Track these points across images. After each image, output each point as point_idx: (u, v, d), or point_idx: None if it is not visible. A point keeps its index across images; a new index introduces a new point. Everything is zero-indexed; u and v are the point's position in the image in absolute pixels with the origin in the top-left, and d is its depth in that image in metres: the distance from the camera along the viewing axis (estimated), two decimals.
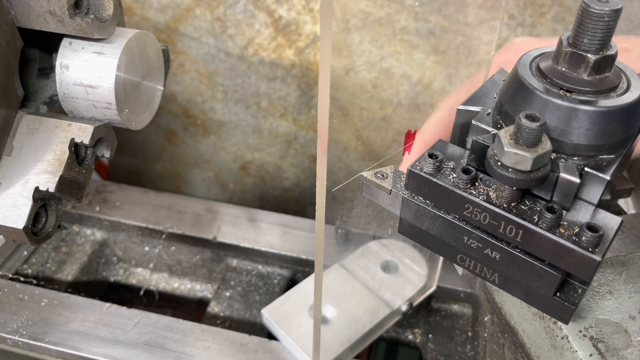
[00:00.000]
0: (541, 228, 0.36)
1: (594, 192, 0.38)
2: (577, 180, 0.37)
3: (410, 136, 0.54)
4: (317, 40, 0.85)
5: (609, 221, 0.38)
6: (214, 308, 0.80)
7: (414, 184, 0.42)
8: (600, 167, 0.38)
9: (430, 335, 0.77)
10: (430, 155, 0.41)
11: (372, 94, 0.87)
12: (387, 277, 0.76)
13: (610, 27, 0.38)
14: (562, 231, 0.36)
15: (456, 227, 0.41)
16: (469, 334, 0.76)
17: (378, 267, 0.77)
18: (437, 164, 0.41)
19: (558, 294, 0.39)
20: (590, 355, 0.41)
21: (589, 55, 0.38)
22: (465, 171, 0.40)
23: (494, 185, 0.39)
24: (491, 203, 0.38)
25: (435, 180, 0.40)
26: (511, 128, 0.37)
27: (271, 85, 0.92)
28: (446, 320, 0.79)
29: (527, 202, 0.38)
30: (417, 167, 0.41)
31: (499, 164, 0.37)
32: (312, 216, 0.86)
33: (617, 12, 0.37)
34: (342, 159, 0.95)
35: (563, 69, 0.40)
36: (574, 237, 0.36)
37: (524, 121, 0.35)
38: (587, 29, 0.38)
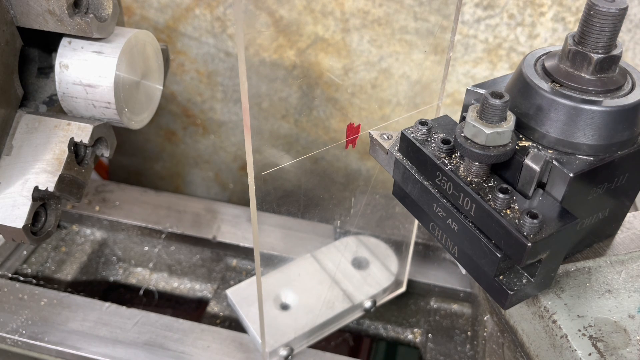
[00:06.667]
0: (490, 206, 0.38)
1: (558, 188, 0.39)
2: (537, 168, 0.38)
3: (352, 129, 0.55)
4: (318, 41, 0.85)
5: (563, 218, 0.38)
6: (213, 308, 0.80)
7: (404, 147, 0.45)
8: (570, 164, 0.38)
9: (430, 335, 0.77)
10: (421, 123, 0.44)
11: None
12: (355, 273, 0.76)
13: (616, 26, 0.38)
14: (509, 213, 0.37)
15: (429, 194, 0.43)
16: (469, 333, 0.76)
17: (348, 262, 0.78)
18: (426, 131, 0.43)
19: (501, 277, 0.40)
20: (590, 354, 0.41)
21: (592, 54, 0.39)
22: (444, 141, 0.42)
23: (467, 160, 0.40)
24: (457, 175, 0.40)
25: (418, 145, 0.43)
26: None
27: (272, 86, 0.92)
28: (446, 319, 0.79)
29: (492, 181, 0.40)
30: (409, 132, 0.44)
31: (462, 135, 0.38)
32: (312, 218, 0.86)
33: (623, 11, 0.37)
34: (341, 159, 0.95)
35: (565, 66, 0.40)
36: (516, 221, 0.37)
37: (488, 97, 0.37)
38: (593, 28, 0.38)
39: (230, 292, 0.73)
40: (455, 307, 0.80)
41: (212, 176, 1.08)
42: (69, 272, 0.83)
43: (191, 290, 0.87)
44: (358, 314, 0.74)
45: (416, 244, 0.81)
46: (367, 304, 0.73)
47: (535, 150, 0.40)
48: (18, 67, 0.53)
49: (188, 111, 0.99)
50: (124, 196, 0.90)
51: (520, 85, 0.41)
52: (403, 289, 0.78)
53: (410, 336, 0.80)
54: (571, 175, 0.38)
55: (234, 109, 0.98)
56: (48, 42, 0.58)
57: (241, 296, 0.72)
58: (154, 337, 0.68)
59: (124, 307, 0.71)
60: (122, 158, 1.10)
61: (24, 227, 0.50)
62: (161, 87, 0.64)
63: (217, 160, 1.05)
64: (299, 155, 0.58)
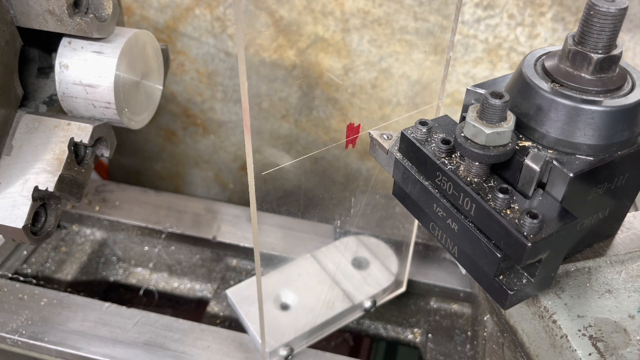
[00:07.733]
0: (490, 206, 0.38)
1: (558, 188, 0.39)
2: (537, 168, 0.38)
3: (352, 129, 0.55)
4: (318, 41, 0.85)
5: (563, 218, 0.38)
6: (213, 308, 0.80)
7: (404, 147, 0.45)
8: (570, 164, 0.38)
9: (430, 335, 0.77)
10: (421, 123, 0.44)
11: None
12: (355, 273, 0.76)
13: (616, 26, 0.38)
14: (509, 213, 0.37)
15: (429, 194, 0.43)
16: (469, 333, 0.76)
17: (349, 262, 0.78)
18: (426, 131, 0.43)
19: (501, 277, 0.40)
20: (590, 354, 0.41)
21: (592, 54, 0.39)
22: (444, 141, 0.42)
23: (467, 160, 0.40)
24: (457, 175, 0.40)
25: (418, 145, 0.43)
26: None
27: (272, 86, 0.92)
28: (446, 319, 0.79)
29: (492, 181, 0.40)
30: (409, 132, 0.44)
31: (462, 135, 0.38)
32: (312, 218, 0.86)
33: (623, 11, 0.37)
34: (341, 159, 0.95)
35: (565, 66, 0.40)
36: (516, 221, 0.37)
37: (488, 97, 0.37)
38: (593, 28, 0.38)
39: (230, 292, 0.73)
40: (455, 307, 0.80)
41: (212, 176, 1.08)
42: (69, 272, 0.83)
43: (191, 290, 0.87)
44: (358, 314, 0.74)
45: (416, 244, 0.81)
46: (367, 304, 0.73)
47: (535, 150, 0.40)
48: (18, 67, 0.53)
49: (188, 111, 0.99)
50: (124, 196, 0.90)
51: (520, 85, 0.41)
52: (403, 289, 0.78)
53: (410, 336, 0.80)
54: (571, 175, 0.38)
55: (234, 109, 0.98)
56: (48, 42, 0.58)
57: (241, 296, 0.72)
58: (154, 337, 0.68)
59: (124, 307, 0.71)
60: (122, 158, 1.10)
61: (24, 227, 0.50)
62: (161, 87, 0.64)
63: (217, 160, 1.05)
64: (299, 155, 0.58)
